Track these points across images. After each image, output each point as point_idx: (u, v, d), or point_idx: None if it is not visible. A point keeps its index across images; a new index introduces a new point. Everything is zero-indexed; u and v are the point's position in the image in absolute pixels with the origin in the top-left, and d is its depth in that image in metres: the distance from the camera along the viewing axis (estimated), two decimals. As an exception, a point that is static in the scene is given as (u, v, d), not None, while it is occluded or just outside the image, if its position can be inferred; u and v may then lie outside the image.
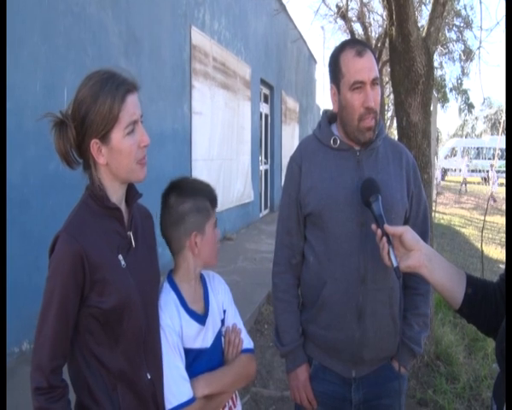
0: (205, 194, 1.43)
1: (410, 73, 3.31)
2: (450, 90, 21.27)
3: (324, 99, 23.71)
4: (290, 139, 13.92)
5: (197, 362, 1.40)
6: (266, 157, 11.73)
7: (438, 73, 16.59)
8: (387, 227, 1.32)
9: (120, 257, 1.25)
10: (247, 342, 1.53)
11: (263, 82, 10.85)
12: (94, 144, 1.20)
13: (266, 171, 11.73)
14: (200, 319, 1.42)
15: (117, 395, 1.24)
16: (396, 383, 1.64)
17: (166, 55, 5.98)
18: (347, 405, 1.66)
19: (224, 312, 1.52)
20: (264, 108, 11.43)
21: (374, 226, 1.37)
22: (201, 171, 6.73)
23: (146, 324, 1.28)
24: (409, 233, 1.28)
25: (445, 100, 21.12)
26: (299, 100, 15.59)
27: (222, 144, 7.97)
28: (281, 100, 12.51)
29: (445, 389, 3.37)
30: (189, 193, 1.42)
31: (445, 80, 19.14)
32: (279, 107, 12.40)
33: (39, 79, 3.66)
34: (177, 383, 1.33)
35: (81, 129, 1.20)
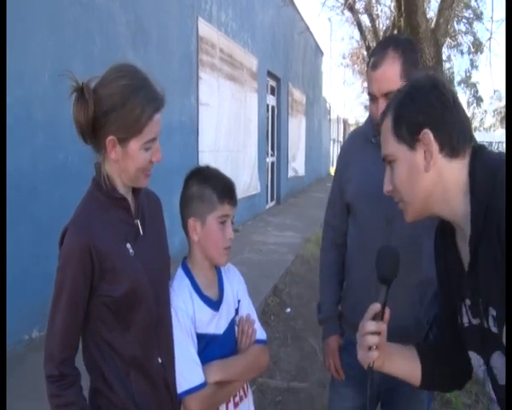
0: (214, 185, 1.40)
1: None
2: (459, 84, 21.12)
3: (331, 91, 23.62)
4: (297, 131, 13.85)
5: (209, 348, 1.40)
6: (273, 149, 11.68)
7: (446, 66, 16.42)
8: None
9: (128, 246, 1.26)
10: (260, 333, 1.53)
11: (269, 74, 10.78)
12: (111, 141, 1.20)
13: (273, 163, 11.69)
14: (214, 304, 1.42)
15: (130, 380, 1.26)
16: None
17: (174, 46, 5.95)
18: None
19: (239, 302, 1.52)
20: (271, 100, 11.38)
21: (377, 307, 1.17)
22: (208, 162, 6.62)
23: (157, 309, 1.29)
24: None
25: (453, 93, 20.97)
26: (306, 92, 15.49)
27: (229, 136, 7.95)
28: (287, 92, 12.44)
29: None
30: (199, 180, 1.43)
31: (453, 73, 18.91)
32: (286, 99, 12.33)
33: (48, 68, 3.65)
34: (188, 367, 1.33)
35: (102, 119, 1.19)
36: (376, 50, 1.61)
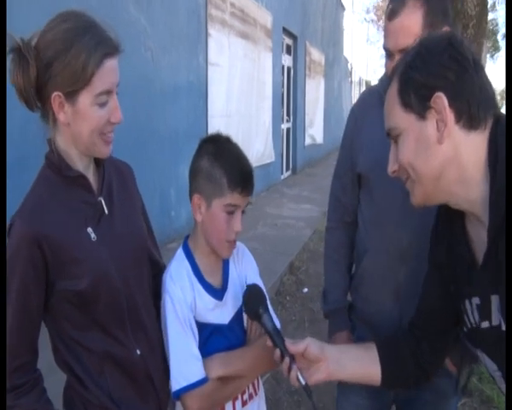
0: (226, 168, 1.27)
1: (459, 15, 3.10)
2: (504, 38, 20.16)
3: (353, 51, 23.19)
4: (315, 95, 13.72)
5: (214, 339, 1.35)
6: (288, 114, 11.58)
7: (489, 16, 15.74)
8: (289, 346, 1.20)
9: (90, 230, 1.18)
10: None
11: (285, 31, 10.59)
12: (56, 97, 1.10)
13: (288, 129, 11.61)
14: (217, 293, 1.36)
15: (105, 377, 1.22)
16: (443, 382, 1.49)
17: (180, -2, 5.78)
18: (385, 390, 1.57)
19: (249, 285, 1.43)
20: (287, 60, 11.22)
21: (269, 343, 1.23)
22: (218, 128, 6.57)
23: (128, 297, 1.24)
24: (312, 347, 1.21)
25: (495, 49, 19.78)
26: (325, 51, 15.29)
27: (240, 99, 7.85)
28: (305, 51, 12.28)
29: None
30: (212, 155, 1.29)
31: (497, 25, 17.82)
32: (303, 59, 12.18)
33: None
34: (186, 362, 1.28)
35: (44, 74, 1.09)
36: None
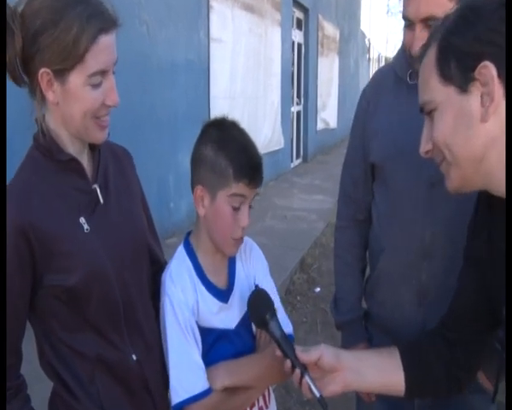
0: (232, 157, 1.26)
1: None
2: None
3: (371, 24, 22.99)
4: (328, 74, 13.65)
5: (219, 345, 1.34)
6: (299, 96, 11.55)
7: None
8: (301, 355, 1.18)
9: (82, 220, 1.17)
10: (285, 326, 1.41)
11: (296, 3, 10.51)
12: (44, 74, 1.08)
13: (299, 112, 11.59)
14: (221, 295, 1.35)
15: (96, 385, 1.21)
16: (475, 398, 1.44)
17: (178, -34, 5.76)
18: (409, 405, 1.56)
19: (256, 287, 1.44)
20: (297, 36, 11.17)
21: (278, 353, 1.22)
22: (221, 111, 6.52)
23: (124, 296, 1.23)
24: (326, 355, 1.18)
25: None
26: (340, 26, 15.20)
27: (246, 79, 7.83)
28: (317, 25, 12.22)
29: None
30: (216, 143, 1.28)
31: None
32: (315, 34, 12.12)
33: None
34: (187, 371, 1.27)
35: (31, 45, 1.07)
36: None
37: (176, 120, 5.66)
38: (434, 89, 0.96)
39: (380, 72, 1.75)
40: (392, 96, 1.57)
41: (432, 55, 0.97)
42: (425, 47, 1.00)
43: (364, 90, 1.70)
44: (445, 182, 1.05)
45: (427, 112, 1.01)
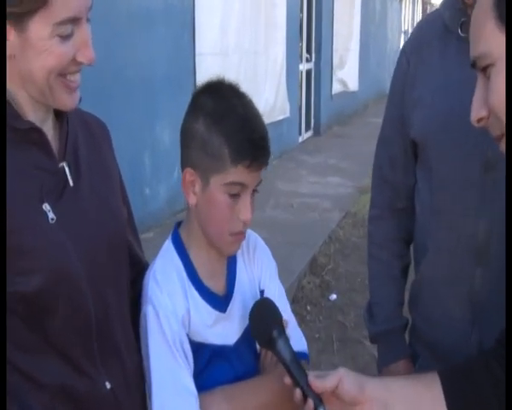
0: (229, 134, 1.27)
1: None
2: None
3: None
4: (347, 22, 13.62)
5: (215, 365, 1.37)
6: (309, 51, 11.64)
7: None
8: (315, 382, 1.19)
9: (47, 207, 1.16)
10: (298, 342, 1.44)
11: None
12: None
13: (309, 72, 11.67)
14: (218, 302, 1.38)
15: None
16: None
17: None
18: None
19: (262, 293, 1.48)
20: (307, -26, 11.19)
21: (287, 380, 1.24)
22: (210, 71, 6.54)
23: (98, 304, 1.24)
24: (346, 383, 1.19)
25: None
26: (362, -41, 15.16)
27: (241, 30, 7.85)
28: (333, -40, 12.18)
29: None
30: (209, 116, 1.29)
31: None
32: (330, -29, 12.09)
33: None
34: (175, 397, 1.28)
35: None
36: None
37: (152, 82, 5.65)
38: (491, 37, 0.97)
39: (425, 21, 1.76)
40: (438, 52, 1.57)
41: None
42: None
43: (404, 48, 1.71)
44: (503, 163, 1.04)
45: (481, 68, 1.00)
